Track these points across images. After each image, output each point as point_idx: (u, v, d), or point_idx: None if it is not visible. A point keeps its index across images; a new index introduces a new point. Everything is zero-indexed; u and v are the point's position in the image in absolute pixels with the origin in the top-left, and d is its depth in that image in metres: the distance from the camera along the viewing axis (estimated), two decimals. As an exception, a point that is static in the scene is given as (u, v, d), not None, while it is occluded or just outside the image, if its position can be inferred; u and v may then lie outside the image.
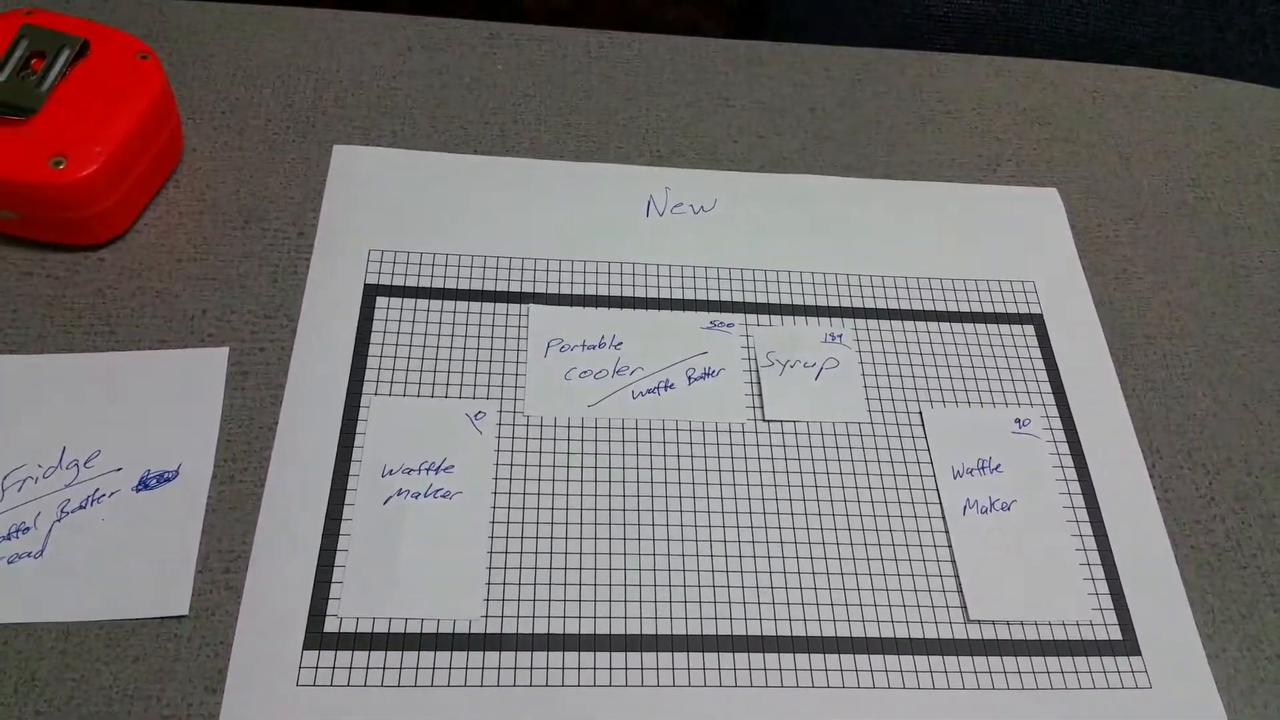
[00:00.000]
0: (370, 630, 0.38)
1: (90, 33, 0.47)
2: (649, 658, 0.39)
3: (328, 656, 0.37)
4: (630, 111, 0.55)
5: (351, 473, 0.41)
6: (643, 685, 0.38)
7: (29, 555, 0.39)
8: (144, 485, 0.40)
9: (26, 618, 0.38)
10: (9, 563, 0.38)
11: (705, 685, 0.38)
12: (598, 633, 0.39)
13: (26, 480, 0.40)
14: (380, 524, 0.40)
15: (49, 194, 0.44)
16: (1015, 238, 0.53)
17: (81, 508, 0.40)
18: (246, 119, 0.52)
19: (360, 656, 0.37)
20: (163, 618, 0.38)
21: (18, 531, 0.39)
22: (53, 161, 0.44)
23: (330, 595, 0.39)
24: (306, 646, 0.37)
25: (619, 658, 0.39)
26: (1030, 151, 0.57)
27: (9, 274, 0.46)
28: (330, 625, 0.38)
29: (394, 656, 0.38)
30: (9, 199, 0.44)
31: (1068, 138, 0.58)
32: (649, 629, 0.39)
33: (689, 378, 0.46)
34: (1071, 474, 0.45)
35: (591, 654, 0.39)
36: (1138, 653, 0.41)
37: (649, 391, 0.45)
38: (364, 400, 0.43)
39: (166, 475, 0.41)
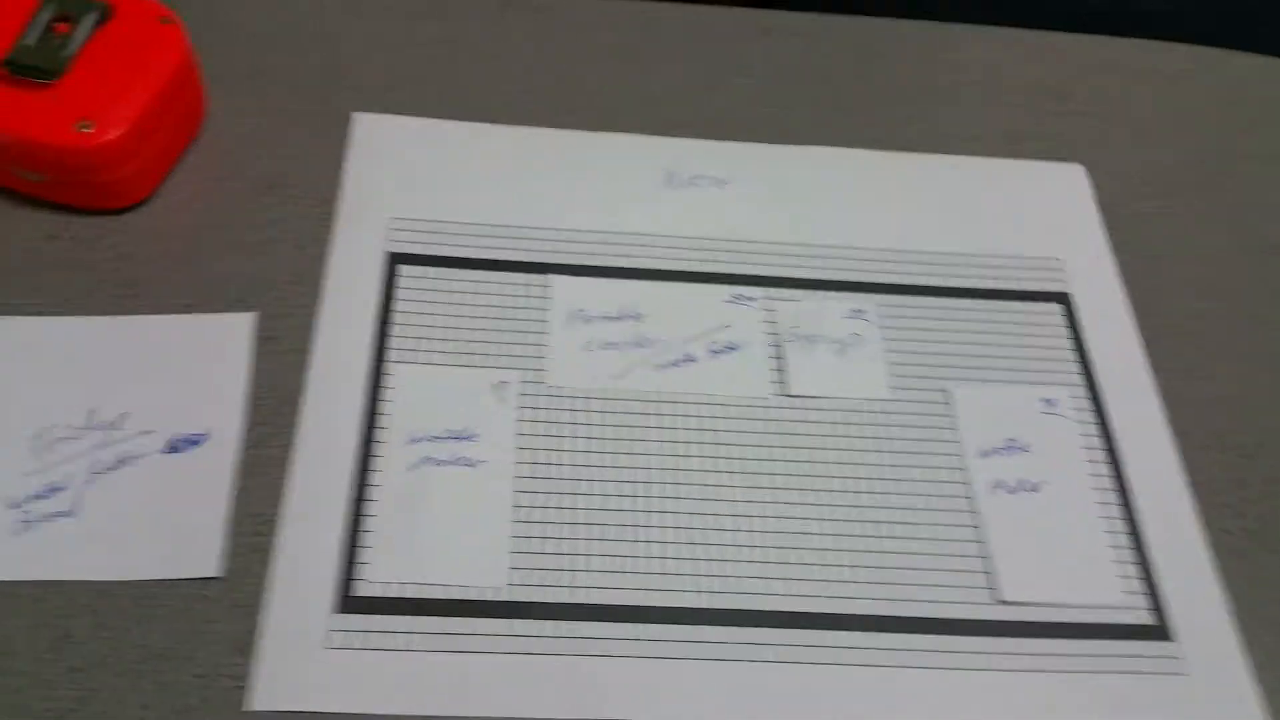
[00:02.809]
0: (399, 595, 0.39)
1: (113, -4, 0.47)
2: (671, 630, 0.39)
3: (357, 620, 0.38)
4: (645, 81, 0.55)
5: (377, 439, 0.42)
6: (664, 658, 0.38)
7: (61, 515, 0.39)
8: (173, 448, 0.41)
9: (60, 575, 0.38)
10: (43, 521, 0.39)
11: (726, 660, 0.39)
12: (620, 603, 0.39)
13: (57, 441, 0.41)
14: (406, 490, 0.41)
15: (76, 157, 0.44)
16: (1041, 214, 0.52)
17: (112, 469, 0.40)
18: (267, 86, 0.52)
19: (389, 621, 0.38)
20: (193, 579, 0.39)
21: (50, 491, 0.40)
22: (79, 125, 0.44)
23: (359, 560, 0.39)
24: (336, 610, 0.38)
25: (641, 629, 0.39)
26: (1049, 125, 0.56)
27: (35, 236, 0.46)
28: (359, 590, 0.39)
29: (421, 621, 0.38)
30: (36, 161, 0.44)
31: (1085, 112, 0.57)
32: (670, 601, 0.40)
33: (711, 351, 0.46)
34: (1100, 455, 0.45)
35: (614, 624, 0.39)
36: (1170, 638, 0.40)
37: (671, 364, 0.45)
38: (388, 368, 0.44)
39: (196, 439, 0.41)
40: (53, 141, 0.43)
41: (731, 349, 0.46)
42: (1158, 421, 0.46)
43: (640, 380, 0.45)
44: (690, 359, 0.46)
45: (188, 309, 0.44)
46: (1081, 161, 0.55)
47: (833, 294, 0.48)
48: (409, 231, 0.48)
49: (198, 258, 0.46)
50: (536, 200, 0.49)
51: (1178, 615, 0.41)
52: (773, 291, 0.48)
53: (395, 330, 0.45)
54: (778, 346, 0.46)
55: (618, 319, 0.46)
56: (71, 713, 0.36)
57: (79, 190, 0.46)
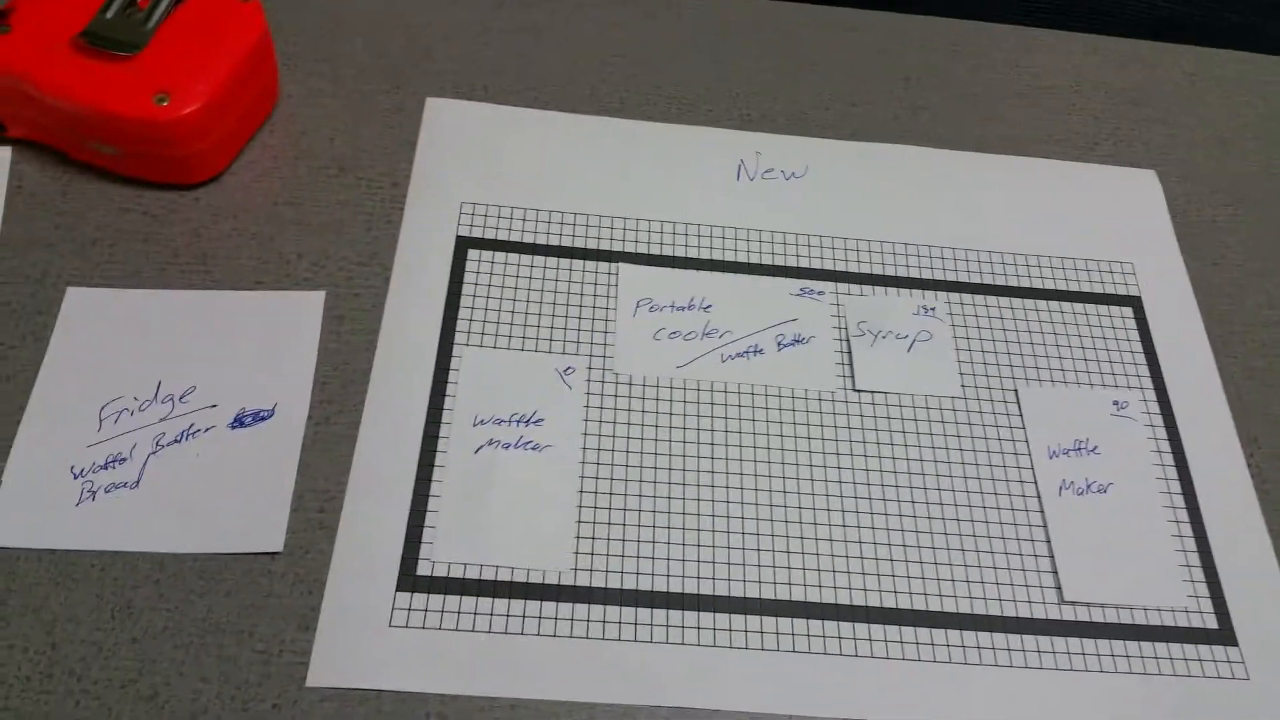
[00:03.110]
0: (462, 576, 0.38)
1: (194, -27, 0.47)
2: (731, 619, 0.38)
3: (420, 599, 0.37)
4: (720, 74, 0.55)
5: (443, 420, 0.41)
6: (724, 647, 0.38)
7: (125, 485, 0.39)
8: (239, 422, 0.41)
9: (122, 546, 0.38)
10: (106, 491, 0.39)
11: (787, 651, 0.38)
12: (682, 591, 0.39)
13: (123, 412, 0.41)
14: (471, 472, 0.40)
15: (152, 130, 0.44)
16: (1113, 218, 0.51)
17: (177, 441, 0.40)
18: (340, 68, 0.52)
19: (452, 601, 0.37)
20: (256, 554, 0.38)
21: (114, 462, 0.40)
22: (156, 98, 0.44)
23: (423, 539, 0.39)
24: (399, 588, 0.38)
25: (702, 617, 0.38)
26: (1127, 132, 0.55)
27: (107, 210, 0.46)
28: (423, 569, 0.38)
29: (484, 603, 0.38)
30: (112, 133, 0.45)
31: (1164, 119, 0.56)
32: (732, 591, 0.39)
33: (778, 344, 0.45)
34: (1169, 459, 0.44)
35: (675, 612, 0.38)
36: (1234, 643, 0.40)
37: (738, 355, 0.45)
38: (455, 350, 0.43)
39: (262, 414, 0.41)
40: (129, 114, 0.44)
41: (799, 342, 0.45)
42: (1226, 427, 0.45)
43: (707, 370, 0.44)
44: (757, 350, 0.45)
45: (258, 285, 0.44)
46: (1155, 167, 0.54)
47: (902, 290, 0.47)
48: (479, 216, 0.47)
49: (269, 235, 0.46)
50: (607, 189, 0.49)
51: (1242, 620, 0.40)
52: (841, 286, 0.47)
53: (463, 313, 0.44)
54: (845, 341, 0.46)
55: (685, 309, 0.46)
56: (131, 684, 0.36)
57: (153, 164, 0.46)
